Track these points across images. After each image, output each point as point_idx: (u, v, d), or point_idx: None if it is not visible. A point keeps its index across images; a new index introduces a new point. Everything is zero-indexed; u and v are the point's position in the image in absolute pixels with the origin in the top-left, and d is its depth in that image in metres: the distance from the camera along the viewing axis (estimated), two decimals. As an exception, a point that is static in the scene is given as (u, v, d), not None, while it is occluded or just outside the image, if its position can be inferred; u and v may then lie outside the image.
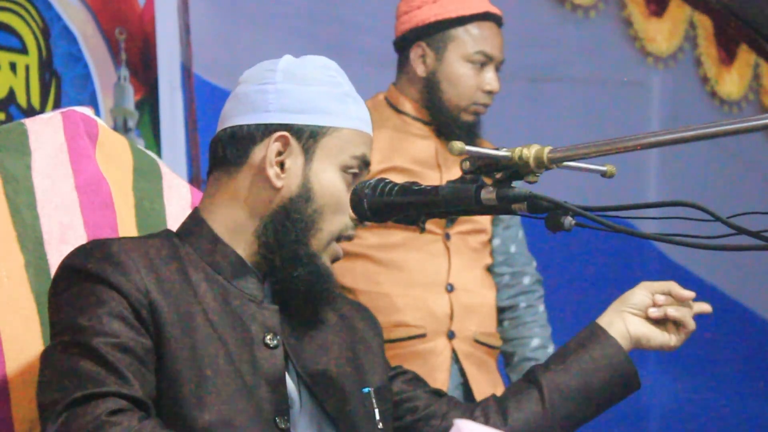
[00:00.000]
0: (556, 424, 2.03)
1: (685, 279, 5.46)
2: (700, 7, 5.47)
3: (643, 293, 2.06)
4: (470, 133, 3.22)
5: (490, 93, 3.23)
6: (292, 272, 1.91)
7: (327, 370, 1.94)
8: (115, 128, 3.41)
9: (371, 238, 3.18)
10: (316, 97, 1.93)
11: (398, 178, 3.12)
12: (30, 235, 2.00)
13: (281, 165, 1.92)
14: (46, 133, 2.10)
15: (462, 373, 3.20)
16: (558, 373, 2.04)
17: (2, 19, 3.28)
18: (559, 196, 1.70)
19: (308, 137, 1.92)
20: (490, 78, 3.22)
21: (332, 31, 4.07)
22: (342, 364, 1.97)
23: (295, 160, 1.92)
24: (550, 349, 3.34)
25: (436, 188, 1.78)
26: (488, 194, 1.73)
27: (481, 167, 1.74)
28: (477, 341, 3.23)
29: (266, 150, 1.92)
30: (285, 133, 1.92)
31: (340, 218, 1.94)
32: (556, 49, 4.93)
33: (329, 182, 1.92)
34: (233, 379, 1.84)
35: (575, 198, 1.82)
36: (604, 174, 1.83)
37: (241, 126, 1.94)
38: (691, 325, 2.05)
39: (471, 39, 3.20)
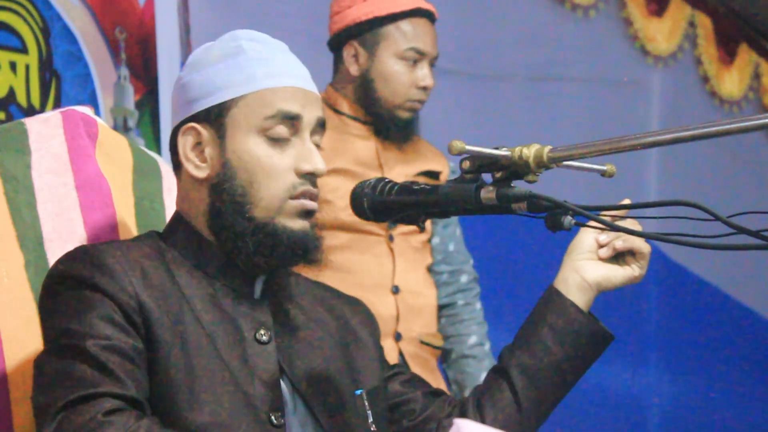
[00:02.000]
0: (536, 409, 2.00)
1: (685, 279, 5.48)
2: (700, 6, 5.47)
3: (588, 236, 1.99)
4: (407, 129, 3.23)
5: (424, 89, 3.21)
6: (252, 248, 1.88)
7: (318, 370, 1.93)
8: (115, 128, 3.41)
9: None
10: (214, 76, 1.92)
11: (341, 180, 3.11)
12: (30, 234, 2.00)
13: (203, 155, 1.92)
14: (46, 132, 2.09)
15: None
16: (523, 356, 1.99)
17: (2, 19, 3.28)
18: (559, 196, 1.70)
19: (215, 118, 1.91)
20: (423, 74, 3.20)
21: (332, 30, 4.07)
22: (334, 364, 1.96)
23: (211, 145, 1.91)
24: (487, 347, 3.35)
25: (435, 188, 1.78)
26: (488, 194, 1.72)
27: (480, 167, 1.74)
28: (422, 342, 3.24)
29: (182, 147, 1.93)
30: (191, 123, 1.92)
31: (278, 181, 1.89)
32: (556, 49, 4.92)
33: (247, 151, 1.89)
34: (225, 378, 1.83)
35: (575, 198, 1.81)
36: (604, 174, 1.82)
37: (172, 133, 1.97)
38: (645, 248, 1.97)
39: (402, 36, 3.20)
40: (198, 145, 1.92)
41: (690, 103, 5.43)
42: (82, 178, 2.09)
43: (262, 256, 1.89)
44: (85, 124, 2.14)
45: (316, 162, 1.91)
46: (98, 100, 3.47)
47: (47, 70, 3.36)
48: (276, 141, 1.90)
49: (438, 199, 1.77)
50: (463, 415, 2.02)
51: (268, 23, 3.90)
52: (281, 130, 1.90)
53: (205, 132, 1.91)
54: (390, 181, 1.85)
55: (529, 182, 1.72)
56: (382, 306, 3.17)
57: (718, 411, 5.36)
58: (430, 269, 3.34)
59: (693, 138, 1.56)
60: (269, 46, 1.95)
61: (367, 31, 3.20)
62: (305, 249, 1.91)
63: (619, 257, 1.99)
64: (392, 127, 3.21)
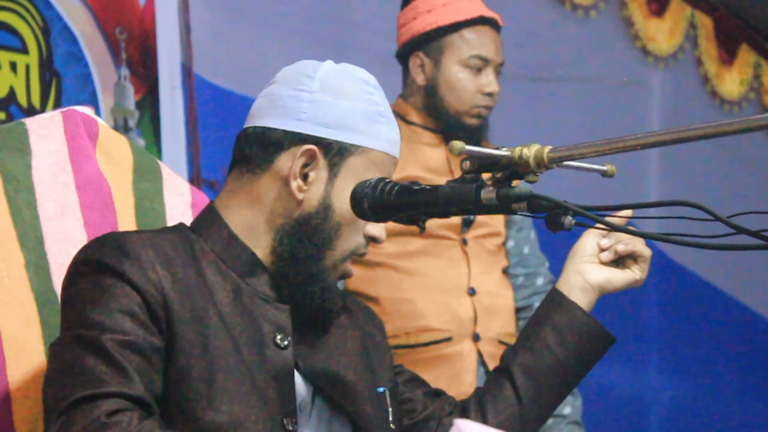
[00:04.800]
0: (538, 409, 2.02)
1: (685, 279, 5.48)
2: (700, 6, 5.47)
3: (590, 239, 2.03)
4: (475, 136, 3.28)
5: (490, 95, 3.29)
6: (306, 287, 1.91)
7: (339, 371, 1.93)
8: (116, 128, 3.41)
9: (390, 247, 3.23)
10: (350, 113, 1.91)
11: None
12: (30, 234, 2.00)
13: (305, 177, 1.91)
14: (46, 132, 2.10)
15: (488, 374, 3.25)
16: (525, 356, 2.02)
17: (2, 19, 3.28)
18: (560, 196, 1.70)
19: (336, 154, 1.91)
20: (488, 80, 3.28)
21: (333, 30, 4.07)
22: (356, 364, 1.97)
23: (319, 175, 1.91)
24: None
25: (436, 188, 1.78)
26: (488, 194, 1.72)
27: (481, 167, 1.74)
28: (501, 342, 3.30)
29: (292, 160, 1.90)
30: (313, 146, 1.90)
31: (355, 237, 1.93)
32: (556, 49, 4.92)
33: (348, 202, 1.90)
34: (243, 379, 1.83)
35: (575, 198, 1.81)
36: (604, 174, 1.82)
37: (270, 129, 1.92)
38: (646, 252, 2.00)
39: (466, 44, 3.28)
40: (305, 167, 1.91)
41: (690, 103, 5.43)
42: (82, 178, 2.09)
43: (310, 299, 1.92)
44: (85, 124, 2.14)
45: (379, 230, 1.95)
46: (98, 100, 3.47)
47: (47, 70, 3.36)
48: None
49: (438, 199, 1.77)
50: (465, 414, 2.03)
51: (268, 23, 3.90)
52: None
53: (321, 160, 1.91)
54: (390, 181, 1.85)
55: (530, 182, 1.72)
56: (459, 308, 3.26)
57: (718, 411, 5.36)
58: (505, 272, 3.40)
59: (693, 138, 1.56)
60: (387, 105, 1.97)
61: (431, 41, 3.29)
62: (335, 308, 1.95)
63: (620, 261, 2.01)
64: (460, 134, 3.26)
